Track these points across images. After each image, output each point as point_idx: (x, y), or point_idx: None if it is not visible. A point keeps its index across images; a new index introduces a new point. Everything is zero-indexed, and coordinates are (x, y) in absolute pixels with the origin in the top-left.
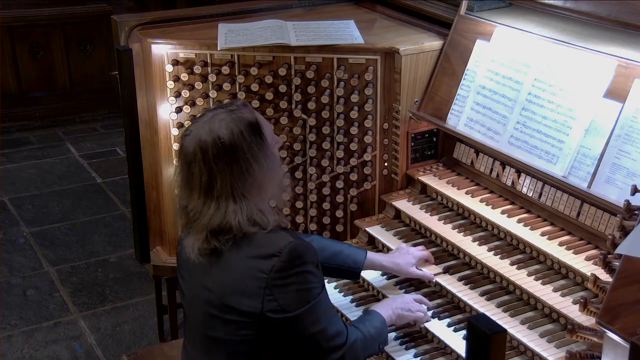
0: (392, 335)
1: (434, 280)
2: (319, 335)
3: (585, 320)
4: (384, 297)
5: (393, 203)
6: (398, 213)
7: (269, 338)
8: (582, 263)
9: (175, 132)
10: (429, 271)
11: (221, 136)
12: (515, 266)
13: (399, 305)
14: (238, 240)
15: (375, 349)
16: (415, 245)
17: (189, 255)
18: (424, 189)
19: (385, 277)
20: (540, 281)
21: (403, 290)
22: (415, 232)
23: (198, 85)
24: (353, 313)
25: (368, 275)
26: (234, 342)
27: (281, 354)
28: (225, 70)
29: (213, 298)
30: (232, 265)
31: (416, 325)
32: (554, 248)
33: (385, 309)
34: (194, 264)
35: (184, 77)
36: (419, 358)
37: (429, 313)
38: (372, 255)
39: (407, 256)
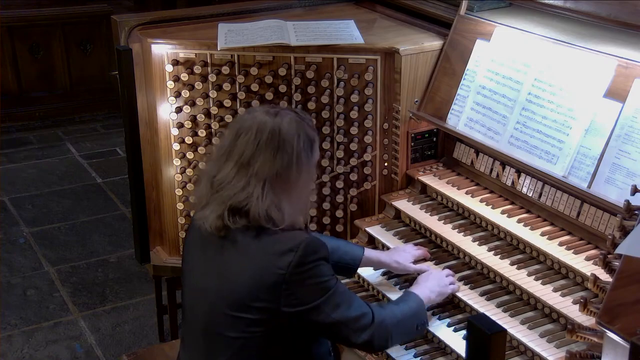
0: None
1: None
2: (342, 320)
3: (585, 320)
4: (384, 296)
5: (393, 203)
6: (398, 213)
7: (281, 332)
8: (582, 263)
9: (175, 132)
10: (426, 265)
11: (282, 128)
12: (515, 266)
13: (435, 284)
14: (253, 230)
15: (413, 330)
16: (415, 245)
17: (204, 228)
18: (424, 189)
19: (385, 276)
20: (540, 281)
21: (398, 287)
22: (415, 232)
23: (198, 85)
24: None
25: (367, 275)
26: (243, 339)
27: (291, 346)
28: (225, 70)
29: (224, 291)
30: (249, 259)
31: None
32: (554, 248)
33: (422, 290)
34: (209, 247)
35: (184, 77)
36: (419, 358)
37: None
38: (369, 253)
39: (404, 254)
